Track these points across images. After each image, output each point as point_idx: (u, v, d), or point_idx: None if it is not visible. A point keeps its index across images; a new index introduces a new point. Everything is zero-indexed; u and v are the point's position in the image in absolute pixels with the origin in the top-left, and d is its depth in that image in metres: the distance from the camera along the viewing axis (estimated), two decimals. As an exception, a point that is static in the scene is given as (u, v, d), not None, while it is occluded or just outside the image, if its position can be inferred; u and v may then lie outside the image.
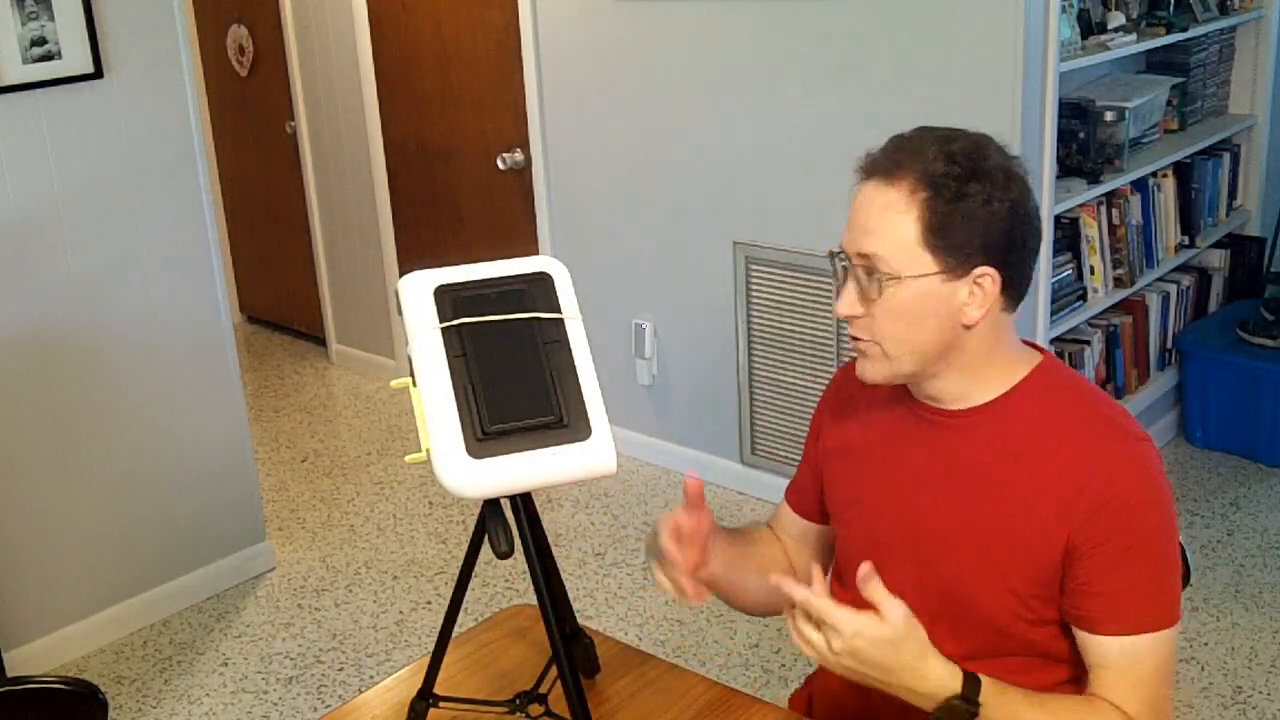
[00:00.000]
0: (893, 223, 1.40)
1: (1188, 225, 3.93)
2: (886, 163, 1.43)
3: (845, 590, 1.67)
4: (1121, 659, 1.42)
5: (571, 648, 1.57)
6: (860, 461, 1.61)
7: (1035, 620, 1.48)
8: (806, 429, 1.83)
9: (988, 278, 1.42)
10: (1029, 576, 1.46)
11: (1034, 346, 1.56)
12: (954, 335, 1.44)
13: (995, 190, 1.39)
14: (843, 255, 1.46)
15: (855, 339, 1.47)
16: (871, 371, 1.48)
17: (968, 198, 1.38)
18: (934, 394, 1.51)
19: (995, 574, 1.47)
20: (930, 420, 1.53)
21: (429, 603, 3.39)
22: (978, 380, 1.49)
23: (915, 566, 1.53)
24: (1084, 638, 1.45)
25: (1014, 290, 1.46)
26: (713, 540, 1.58)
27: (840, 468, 1.65)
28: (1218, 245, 4.19)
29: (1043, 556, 1.44)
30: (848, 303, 1.45)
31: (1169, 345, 4.04)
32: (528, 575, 1.50)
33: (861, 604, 1.63)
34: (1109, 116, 3.46)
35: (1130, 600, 1.42)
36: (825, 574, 1.77)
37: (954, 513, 1.50)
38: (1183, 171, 3.88)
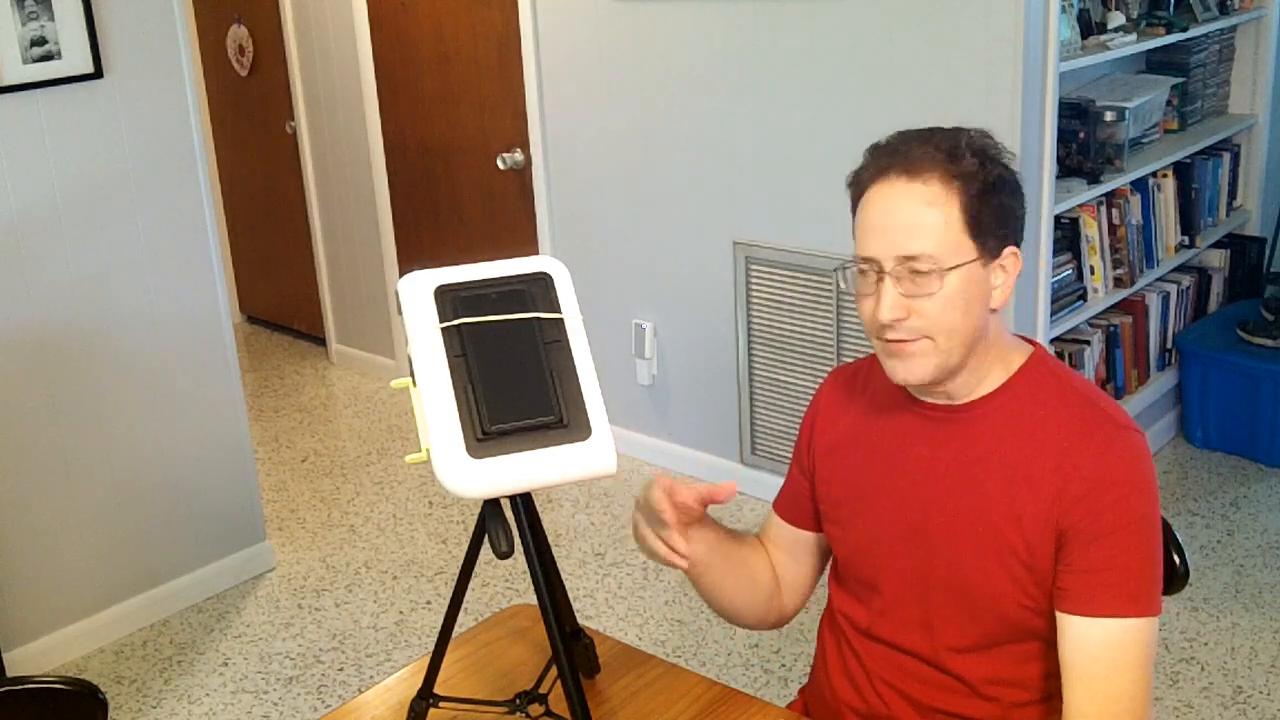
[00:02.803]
0: (936, 216, 1.42)
1: (1188, 225, 3.93)
2: (901, 162, 1.44)
3: (845, 591, 1.68)
4: (1094, 648, 1.42)
5: (571, 648, 1.57)
6: (857, 461, 1.62)
7: (1036, 609, 1.49)
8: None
9: (1012, 257, 1.48)
10: (1028, 564, 1.47)
11: (1024, 339, 1.59)
12: (984, 321, 1.48)
13: (1009, 174, 1.48)
14: (869, 262, 1.45)
15: (899, 341, 1.46)
16: (919, 369, 1.47)
17: (995, 183, 1.45)
18: (950, 389, 1.52)
19: (997, 562, 1.49)
20: (935, 418, 1.55)
21: (429, 603, 3.39)
22: (986, 370, 1.52)
23: (920, 560, 1.55)
24: (1060, 623, 1.46)
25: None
26: (701, 525, 1.58)
27: (835, 467, 1.65)
28: (1218, 245, 4.19)
29: (1039, 543, 1.46)
30: (892, 306, 1.43)
31: (1169, 345, 4.04)
32: (528, 575, 1.50)
33: (861, 603, 1.64)
34: (1109, 116, 3.46)
35: (1105, 581, 1.42)
36: (818, 576, 1.78)
37: (957, 504, 1.51)
38: (1183, 171, 3.88)
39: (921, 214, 1.42)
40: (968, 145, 1.45)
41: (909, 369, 1.47)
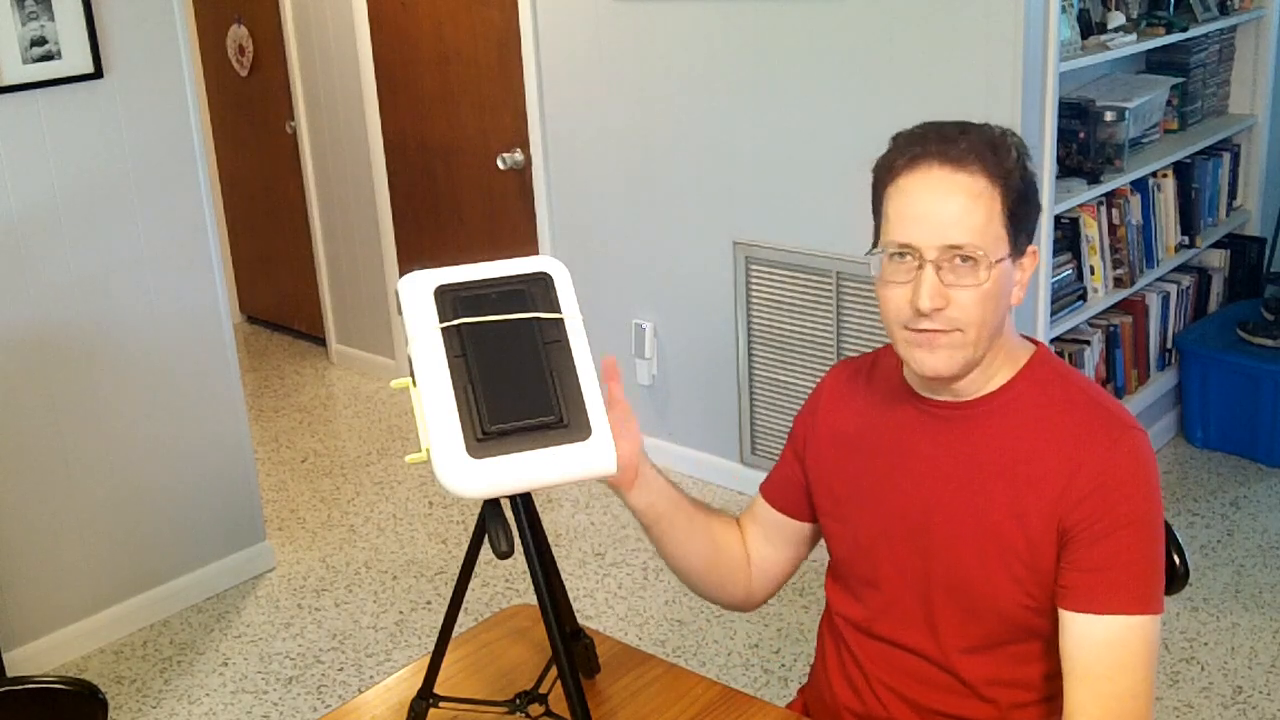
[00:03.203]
0: (980, 209, 1.42)
1: (1188, 225, 3.93)
2: (942, 151, 1.43)
3: (842, 589, 1.67)
4: (1097, 646, 1.42)
5: (571, 648, 1.57)
6: (859, 458, 1.61)
7: (1038, 609, 1.49)
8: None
9: (1032, 255, 1.50)
10: (1029, 562, 1.47)
11: (1027, 338, 1.59)
12: (1004, 317, 1.49)
13: (1035, 172, 1.48)
14: (908, 250, 1.44)
15: (931, 332, 1.44)
16: (949, 361, 1.46)
17: (1031, 179, 1.46)
18: (959, 385, 1.51)
19: (998, 561, 1.49)
20: (940, 415, 1.54)
21: (429, 603, 3.39)
22: (995, 367, 1.52)
23: (921, 558, 1.54)
24: (1062, 620, 1.45)
25: None
26: (667, 485, 1.59)
27: (837, 461, 1.64)
28: (1218, 245, 4.19)
29: (1040, 542, 1.46)
30: (933, 294, 1.42)
31: (1169, 345, 4.04)
32: (528, 575, 1.50)
33: (859, 601, 1.64)
34: (1109, 116, 3.46)
35: (1109, 579, 1.42)
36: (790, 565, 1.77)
37: (960, 502, 1.51)
38: (1183, 171, 3.88)
39: (967, 205, 1.41)
40: (1005, 140, 1.45)
41: (938, 361, 1.46)
